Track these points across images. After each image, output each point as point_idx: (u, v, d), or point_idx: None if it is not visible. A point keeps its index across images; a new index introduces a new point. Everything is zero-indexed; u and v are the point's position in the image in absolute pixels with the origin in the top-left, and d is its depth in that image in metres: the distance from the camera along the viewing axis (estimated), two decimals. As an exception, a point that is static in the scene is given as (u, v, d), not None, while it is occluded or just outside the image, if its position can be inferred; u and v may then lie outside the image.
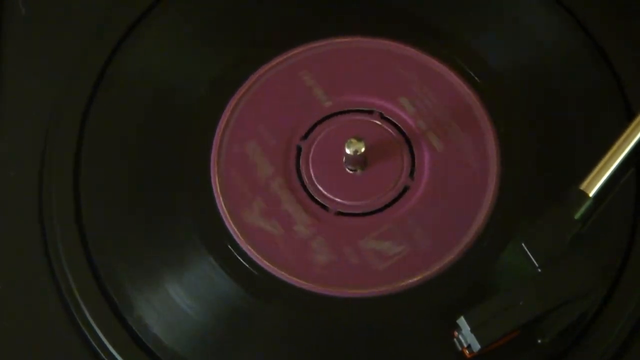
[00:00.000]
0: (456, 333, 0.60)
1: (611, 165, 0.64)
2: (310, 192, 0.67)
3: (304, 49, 0.71)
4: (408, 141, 0.68)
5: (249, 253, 0.65)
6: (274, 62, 0.70)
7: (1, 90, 0.71)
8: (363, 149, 0.66)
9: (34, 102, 0.70)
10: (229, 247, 0.66)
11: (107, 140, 0.69)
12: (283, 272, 0.65)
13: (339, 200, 0.67)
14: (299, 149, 0.68)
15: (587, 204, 0.63)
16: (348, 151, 0.66)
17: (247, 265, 0.65)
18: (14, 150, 0.70)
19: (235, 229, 0.66)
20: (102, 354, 0.64)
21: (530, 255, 0.61)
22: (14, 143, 0.70)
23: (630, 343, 0.64)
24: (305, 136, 0.69)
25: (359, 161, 0.67)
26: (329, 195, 0.67)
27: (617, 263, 0.64)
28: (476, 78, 0.70)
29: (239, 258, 0.66)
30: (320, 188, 0.67)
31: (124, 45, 0.71)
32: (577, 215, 0.63)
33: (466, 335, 0.60)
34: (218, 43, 0.72)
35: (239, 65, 0.70)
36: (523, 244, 0.62)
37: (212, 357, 0.64)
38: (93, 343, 0.65)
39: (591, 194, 0.64)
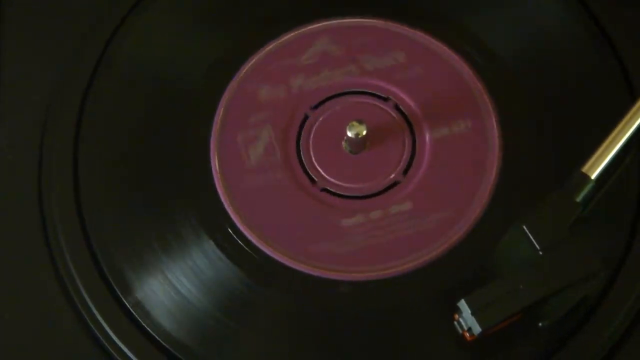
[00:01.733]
0: (457, 316, 0.60)
1: (613, 147, 0.64)
2: (311, 173, 0.67)
3: (302, 30, 0.71)
4: (410, 125, 0.68)
5: (249, 237, 0.65)
6: (273, 43, 0.70)
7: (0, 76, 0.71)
8: (364, 132, 0.65)
9: (33, 87, 0.70)
10: (230, 231, 0.66)
11: (106, 125, 0.69)
12: (283, 255, 0.65)
13: (336, 181, 0.67)
14: (299, 135, 0.68)
15: (589, 186, 0.63)
16: (349, 134, 0.65)
17: (248, 250, 0.65)
18: (13, 135, 0.69)
19: (236, 213, 0.66)
20: (102, 340, 0.64)
21: (532, 238, 0.61)
22: (13, 128, 0.70)
23: (634, 328, 0.63)
24: (304, 121, 0.69)
25: (360, 144, 0.67)
26: (328, 176, 0.67)
27: (620, 246, 0.64)
28: (479, 61, 0.69)
29: (240, 242, 0.65)
30: (320, 168, 0.67)
31: (123, 31, 0.71)
32: (579, 198, 0.63)
33: (467, 319, 0.60)
34: (217, 26, 0.71)
35: (239, 47, 0.70)
36: (524, 227, 0.61)
37: (213, 342, 0.64)
38: (93, 328, 0.65)
39: (593, 177, 0.63)
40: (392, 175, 0.67)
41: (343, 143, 0.67)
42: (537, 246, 0.61)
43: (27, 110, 0.70)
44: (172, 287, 0.64)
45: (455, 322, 0.60)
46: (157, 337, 0.64)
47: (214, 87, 0.69)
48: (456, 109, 0.68)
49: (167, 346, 0.63)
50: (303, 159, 0.68)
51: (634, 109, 0.65)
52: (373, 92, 0.69)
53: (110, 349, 0.64)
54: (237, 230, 0.66)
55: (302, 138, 0.68)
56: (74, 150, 0.68)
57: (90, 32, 0.71)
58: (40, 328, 0.65)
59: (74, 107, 0.69)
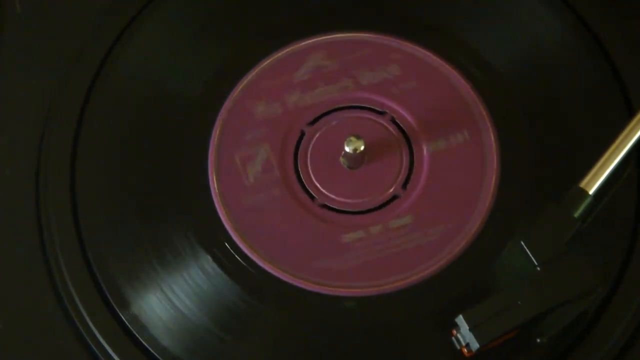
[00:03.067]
0: (455, 332, 0.60)
1: (611, 162, 0.64)
2: (309, 190, 0.67)
3: (296, 46, 0.71)
4: (407, 138, 0.68)
5: (246, 252, 0.65)
6: (268, 60, 0.70)
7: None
8: (362, 147, 0.65)
9: (30, 100, 0.70)
10: (227, 246, 0.66)
11: (104, 138, 0.69)
12: (280, 271, 0.65)
13: (335, 197, 0.67)
14: (297, 152, 0.68)
15: (587, 202, 0.63)
16: (347, 149, 0.65)
17: (246, 265, 0.65)
18: (10, 148, 0.69)
19: (233, 228, 0.66)
20: (99, 354, 0.64)
21: (530, 254, 0.61)
22: (10, 141, 0.70)
23: (632, 343, 0.63)
24: (301, 137, 0.68)
25: (358, 159, 0.67)
26: (326, 192, 0.67)
27: (618, 261, 0.64)
28: (475, 73, 0.69)
29: (237, 257, 0.65)
30: (318, 184, 0.67)
31: (121, 44, 0.71)
32: (577, 214, 0.63)
33: (465, 334, 0.59)
34: (215, 40, 0.71)
35: (237, 61, 0.70)
36: (522, 243, 0.61)
37: (208, 357, 0.63)
38: (90, 342, 0.64)
39: (591, 192, 0.63)
40: (391, 190, 0.67)
41: (341, 159, 0.67)
42: (535, 262, 0.61)
43: (25, 122, 0.70)
44: (169, 302, 0.64)
45: (454, 338, 0.60)
46: (153, 352, 0.63)
47: (211, 101, 0.69)
48: (453, 121, 0.68)
49: (163, 361, 0.63)
50: (301, 175, 0.68)
51: (632, 123, 0.65)
52: (369, 106, 0.69)
53: (107, 364, 0.64)
54: (234, 246, 0.65)
55: (299, 154, 0.68)
56: (72, 164, 0.68)
57: (88, 44, 0.71)
58: (37, 342, 0.65)
59: (72, 120, 0.69)
